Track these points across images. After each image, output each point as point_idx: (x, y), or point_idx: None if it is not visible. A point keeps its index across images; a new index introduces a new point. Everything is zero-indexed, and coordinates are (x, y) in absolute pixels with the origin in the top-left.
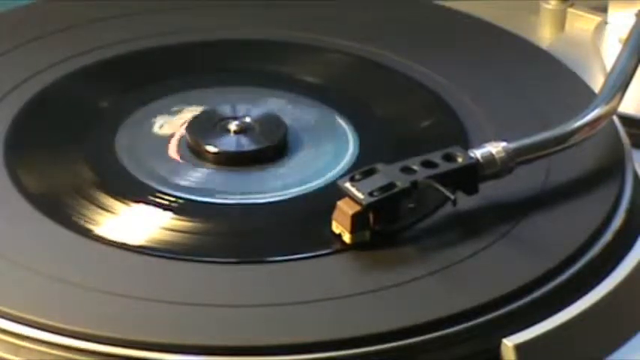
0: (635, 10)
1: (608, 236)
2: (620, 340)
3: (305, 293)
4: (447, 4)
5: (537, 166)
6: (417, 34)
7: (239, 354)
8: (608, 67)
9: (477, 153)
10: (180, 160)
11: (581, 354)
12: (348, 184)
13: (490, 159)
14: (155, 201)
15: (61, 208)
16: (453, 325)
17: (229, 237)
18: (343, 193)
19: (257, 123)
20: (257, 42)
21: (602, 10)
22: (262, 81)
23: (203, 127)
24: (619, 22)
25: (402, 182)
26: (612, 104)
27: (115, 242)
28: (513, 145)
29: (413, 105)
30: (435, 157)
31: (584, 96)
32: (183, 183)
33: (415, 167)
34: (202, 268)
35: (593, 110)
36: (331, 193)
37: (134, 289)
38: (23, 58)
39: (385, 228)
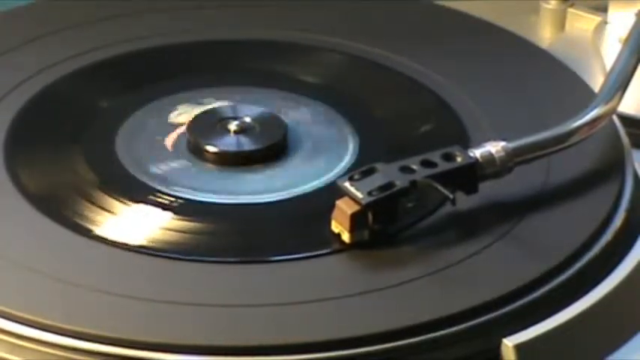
0: (635, 10)
1: (608, 236)
2: (620, 340)
3: (304, 293)
4: (447, 4)
5: (537, 166)
6: (417, 34)
7: (239, 354)
8: (608, 67)
9: (477, 152)
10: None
11: (581, 354)
12: (347, 184)
13: (489, 158)
14: (155, 201)
15: (61, 208)
16: (453, 325)
17: (229, 237)
18: (342, 193)
19: (257, 123)
20: (257, 42)
21: (602, 10)
22: (262, 81)
23: (203, 127)
24: (619, 22)
25: (401, 182)
26: (612, 104)
27: (114, 242)
28: (513, 144)
29: (413, 105)
30: (435, 156)
31: (584, 96)
32: (183, 183)
33: (414, 167)
34: (202, 267)
35: (592, 110)
36: (330, 192)
37: (134, 289)
38: (23, 58)
39: (384, 227)
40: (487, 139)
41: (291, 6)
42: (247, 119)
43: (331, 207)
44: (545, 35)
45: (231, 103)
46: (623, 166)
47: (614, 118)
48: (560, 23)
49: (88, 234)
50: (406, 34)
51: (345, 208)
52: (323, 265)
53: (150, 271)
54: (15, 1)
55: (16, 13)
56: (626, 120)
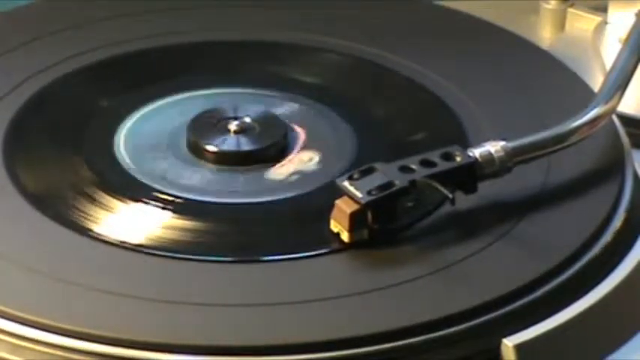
0: (635, 10)
1: (608, 236)
2: (620, 340)
3: (304, 293)
4: (447, 4)
5: (537, 166)
6: (417, 34)
7: (238, 354)
8: (608, 67)
9: (476, 152)
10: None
11: (581, 354)
12: (346, 183)
13: (489, 158)
14: (155, 200)
15: (61, 208)
16: (453, 325)
17: (228, 236)
18: (341, 192)
19: (257, 123)
20: (256, 42)
21: (602, 10)
22: (262, 81)
23: (203, 127)
24: (619, 22)
25: (400, 181)
26: (611, 104)
27: (114, 241)
28: (512, 144)
29: (412, 105)
30: (434, 156)
31: (584, 96)
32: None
33: (414, 166)
34: (202, 267)
35: (592, 110)
36: (330, 192)
37: (134, 289)
38: (23, 58)
39: (384, 227)
40: (486, 139)
41: (291, 6)
42: (247, 119)
43: (330, 206)
44: (545, 35)
45: (231, 103)
46: (623, 166)
47: (614, 117)
48: (560, 23)
49: (88, 233)
50: (406, 34)
51: (344, 207)
52: (322, 264)
53: (150, 270)
54: (15, 1)
55: (16, 13)
56: (626, 120)
